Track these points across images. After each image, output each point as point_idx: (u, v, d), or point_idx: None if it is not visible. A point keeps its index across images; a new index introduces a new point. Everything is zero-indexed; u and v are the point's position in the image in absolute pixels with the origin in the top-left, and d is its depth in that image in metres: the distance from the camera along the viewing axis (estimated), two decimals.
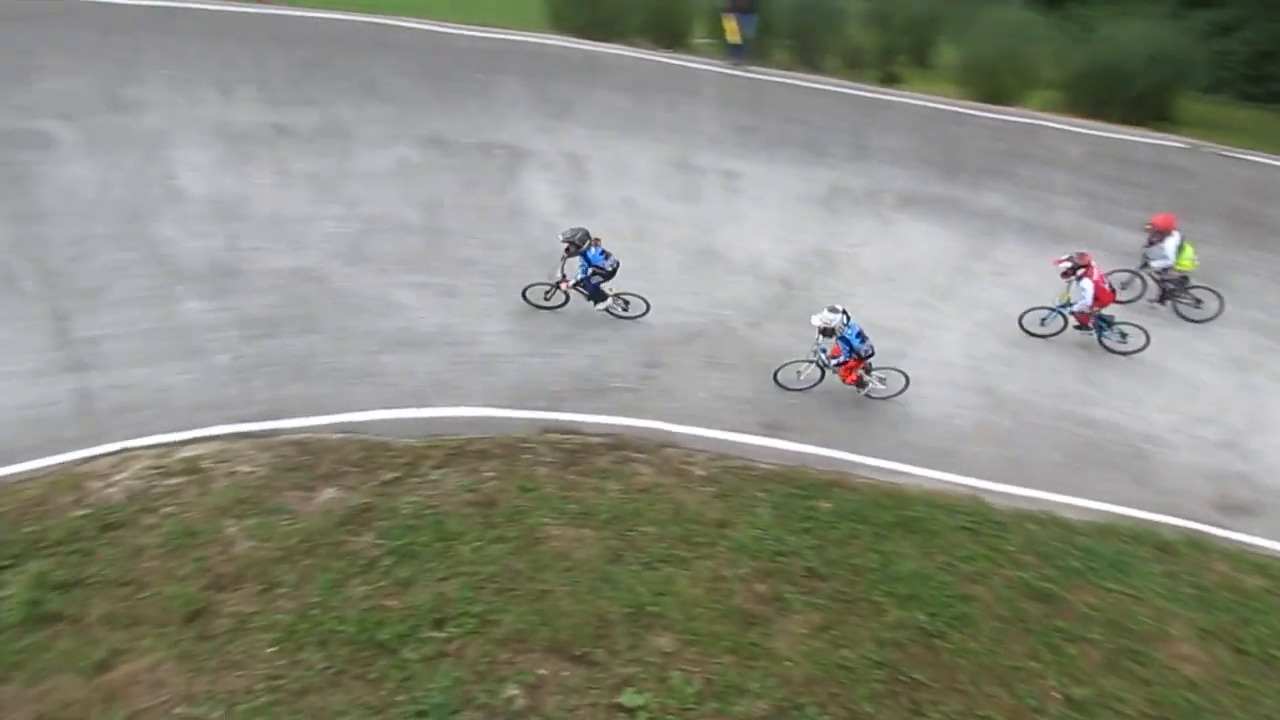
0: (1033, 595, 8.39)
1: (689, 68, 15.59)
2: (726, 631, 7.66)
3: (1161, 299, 12.07)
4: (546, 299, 11.27)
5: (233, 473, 8.37)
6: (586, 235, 10.92)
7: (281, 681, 6.75)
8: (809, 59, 17.49)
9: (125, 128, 12.15)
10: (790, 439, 10.01)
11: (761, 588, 8.13)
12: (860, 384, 10.41)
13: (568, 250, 10.84)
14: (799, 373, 10.57)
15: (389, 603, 7.41)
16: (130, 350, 9.64)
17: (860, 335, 10.09)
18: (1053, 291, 11.51)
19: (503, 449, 9.17)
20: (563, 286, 11.05)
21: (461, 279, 11.39)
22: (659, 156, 13.93)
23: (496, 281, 11.48)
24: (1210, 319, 12.11)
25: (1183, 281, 11.93)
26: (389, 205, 12.29)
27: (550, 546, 8.15)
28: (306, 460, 8.63)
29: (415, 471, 8.70)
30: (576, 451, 9.31)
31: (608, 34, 16.46)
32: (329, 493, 8.31)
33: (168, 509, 7.92)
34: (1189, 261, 11.76)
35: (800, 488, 9.31)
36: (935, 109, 15.38)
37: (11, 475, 8.07)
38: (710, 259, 12.58)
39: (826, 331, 10.06)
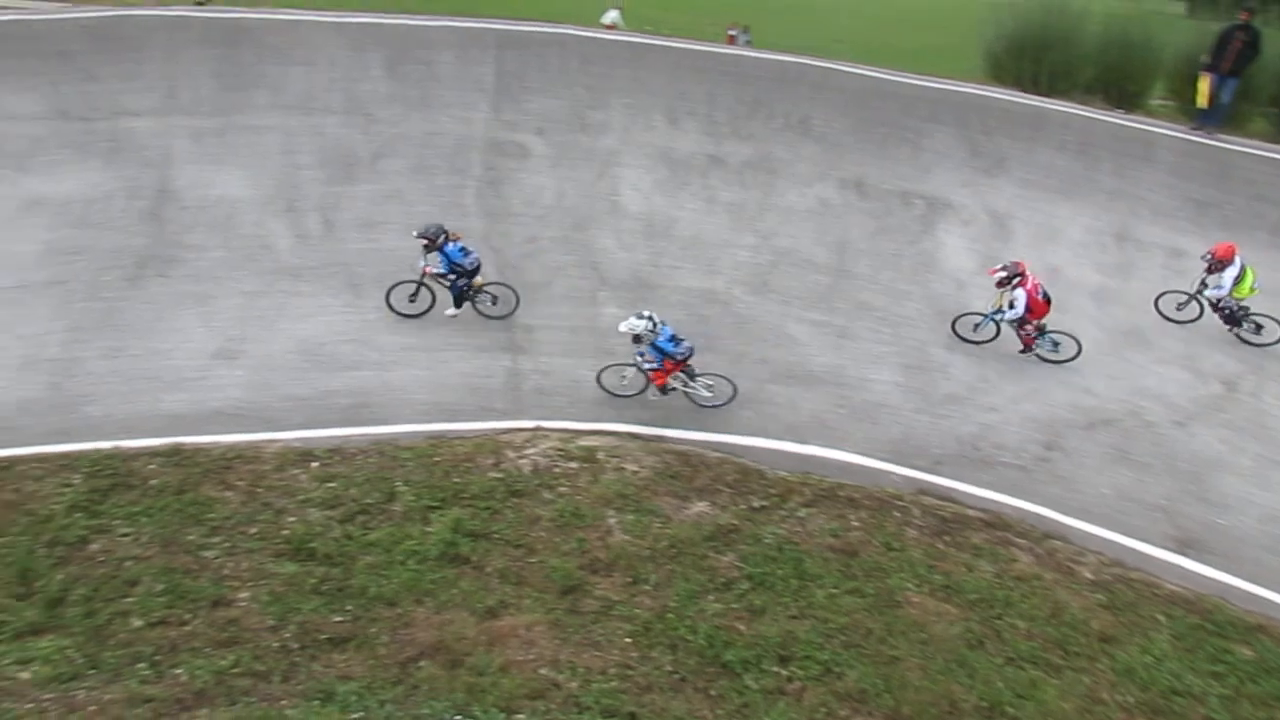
0: None
1: (1145, 130, 14.10)
2: None
3: (1227, 325, 11.43)
4: (412, 301, 10.91)
5: (621, 469, 9.08)
6: (442, 230, 10.66)
7: (631, 672, 7.17)
8: None
9: (585, 146, 13.77)
10: (1210, 563, 8.65)
11: None
12: (665, 390, 9.93)
13: (425, 246, 10.61)
14: (623, 377, 10.09)
15: (739, 626, 7.57)
16: (556, 342, 10.86)
17: (674, 339, 9.69)
18: None
19: (872, 501, 8.96)
20: (425, 272, 10.69)
21: (859, 323, 11.35)
22: (1095, 224, 12.81)
23: (893, 331, 11.29)
24: (1273, 344, 11.25)
25: (1243, 309, 11.31)
26: (800, 241, 12.63)
27: (907, 613, 7.81)
28: (685, 471, 9.10)
29: (783, 504, 8.80)
30: (950, 521, 8.82)
31: (1053, 88, 15.43)
32: (700, 506, 8.69)
33: (563, 489, 8.80)
34: (1250, 289, 11.17)
35: (1214, 623, 7.99)
36: None
37: (451, 431, 9.44)
38: (1137, 342, 11.31)
39: (636, 339, 9.64)
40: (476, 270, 10.84)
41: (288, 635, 7.16)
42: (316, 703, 6.40)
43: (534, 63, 14.52)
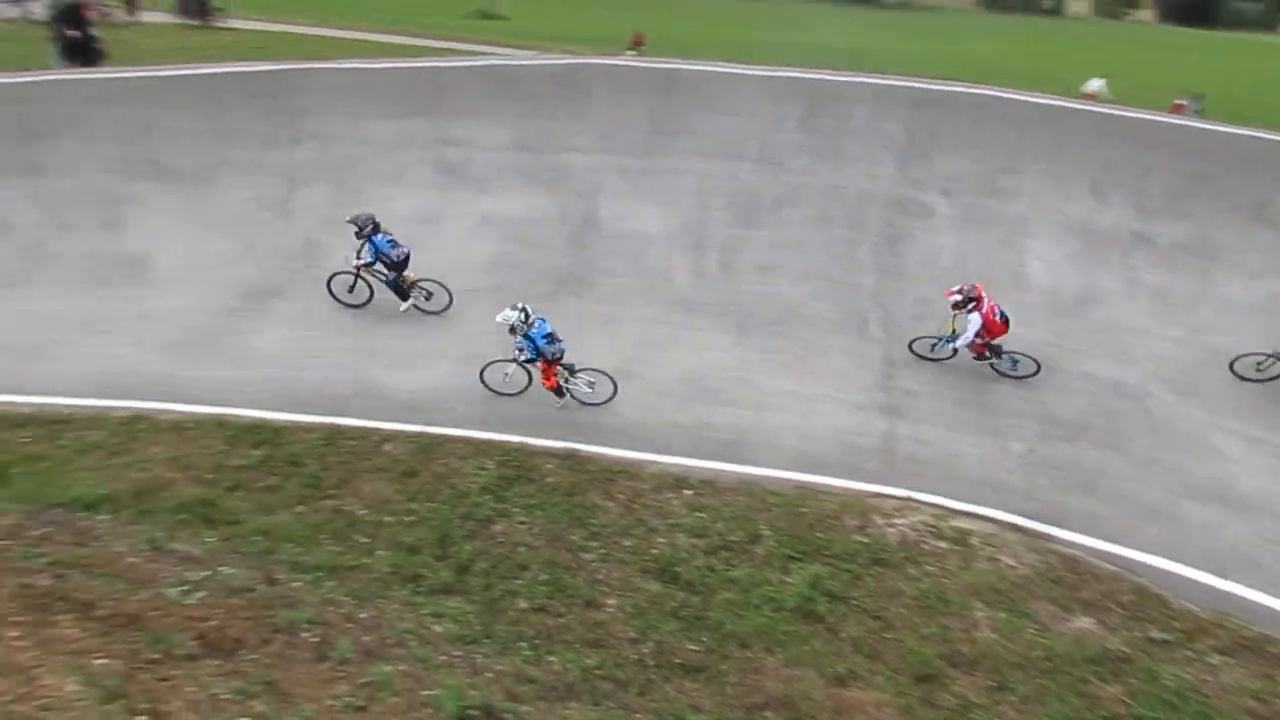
0: None
1: None
2: None
3: None
4: (350, 292, 11.57)
5: (995, 559, 8.45)
6: (372, 219, 11.22)
7: None
8: None
9: (993, 211, 13.14)
10: None
11: None
12: (559, 392, 10.13)
13: (355, 234, 11.12)
14: (506, 374, 10.23)
15: None
16: (938, 411, 10.44)
17: (549, 337, 9.93)
18: None
19: None
20: (354, 264, 11.25)
21: None
22: None
23: None
24: None
25: None
26: (1240, 340, 11.01)
27: None
28: (1070, 578, 8.24)
29: (1190, 644, 7.62)
30: None
31: None
32: (1085, 622, 7.81)
33: (929, 568, 8.37)
34: None
35: None
36: None
37: (819, 485, 9.38)
38: None
39: (511, 330, 9.85)
40: (404, 262, 11.42)
41: (646, 651, 7.52)
42: None
43: (947, 122, 14.14)
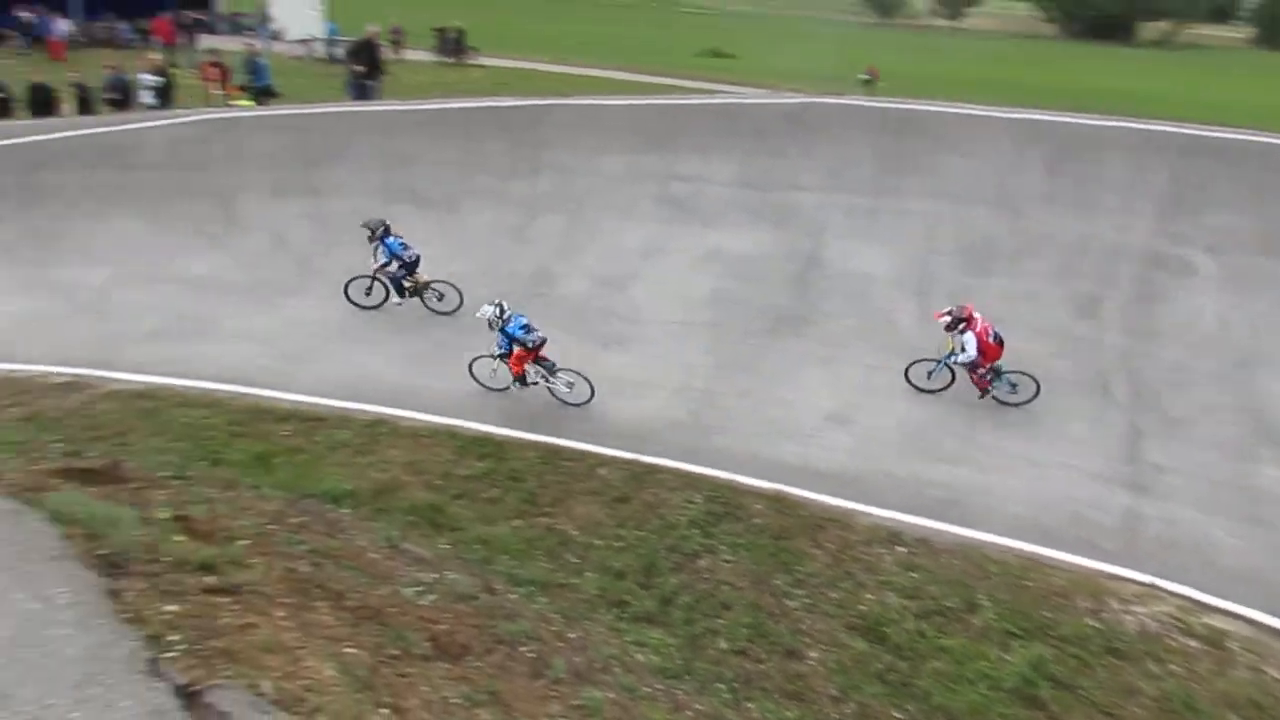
0: None
1: None
2: None
3: None
4: (367, 294, 12.26)
5: (1257, 669, 7.48)
6: (383, 223, 11.96)
7: None
8: None
9: (1270, 272, 11.81)
10: None
11: None
12: (522, 380, 10.45)
13: (369, 238, 11.78)
14: (493, 370, 10.58)
15: None
16: (1191, 491, 9.45)
17: (526, 327, 10.32)
18: None
19: None
20: (371, 271, 11.91)
21: None
22: None
23: None
24: None
25: None
26: None
27: None
28: None
29: None
30: None
31: None
32: None
33: (1174, 667, 7.53)
34: None
35: None
36: None
37: (1045, 558, 8.70)
38: None
39: (489, 325, 10.30)
40: (416, 263, 12.05)
41: (848, 711, 7.22)
42: None
43: (1221, 172, 12.85)
